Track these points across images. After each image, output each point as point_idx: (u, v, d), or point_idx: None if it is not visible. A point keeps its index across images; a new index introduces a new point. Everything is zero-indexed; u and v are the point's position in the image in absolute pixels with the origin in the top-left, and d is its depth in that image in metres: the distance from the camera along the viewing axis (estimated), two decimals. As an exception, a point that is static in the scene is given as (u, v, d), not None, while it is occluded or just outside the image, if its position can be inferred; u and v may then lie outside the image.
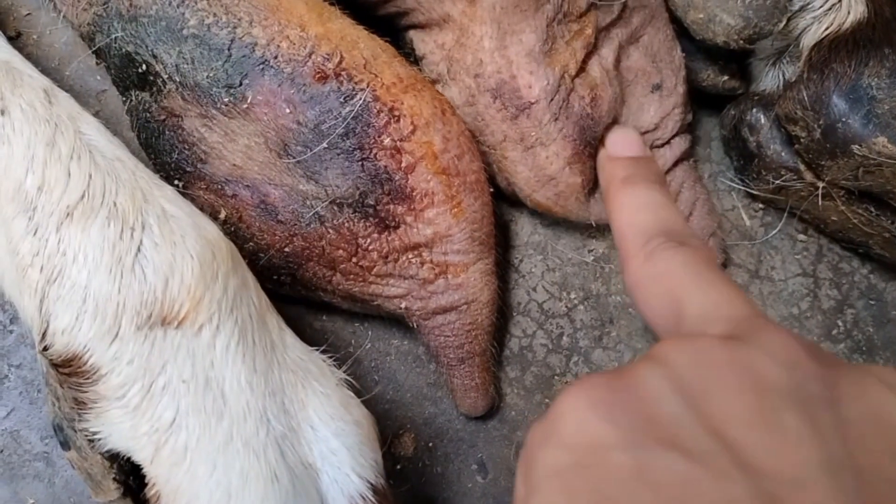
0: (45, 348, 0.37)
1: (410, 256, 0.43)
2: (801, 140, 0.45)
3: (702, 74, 0.49)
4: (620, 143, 0.45)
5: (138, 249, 0.37)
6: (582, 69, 0.45)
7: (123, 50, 0.43)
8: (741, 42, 0.45)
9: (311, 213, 0.43)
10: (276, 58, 0.41)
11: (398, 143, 0.42)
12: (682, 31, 0.48)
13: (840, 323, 0.49)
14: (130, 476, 0.39)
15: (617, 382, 0.28)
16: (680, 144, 0.48)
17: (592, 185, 0.46)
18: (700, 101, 0.48)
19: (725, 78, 0.49)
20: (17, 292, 0.39)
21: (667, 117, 0.47)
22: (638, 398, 0.27)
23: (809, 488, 0.25)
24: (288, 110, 0.41)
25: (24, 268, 0.38)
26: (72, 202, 0.37)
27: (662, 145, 0.48)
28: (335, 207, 0.42)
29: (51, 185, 0.38)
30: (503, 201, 0.49)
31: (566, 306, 0.49)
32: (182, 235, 0.37)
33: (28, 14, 0.49)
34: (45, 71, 0.42)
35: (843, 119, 0.43)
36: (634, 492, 0.25)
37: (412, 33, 0.47)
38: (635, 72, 0.47)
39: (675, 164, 0.48)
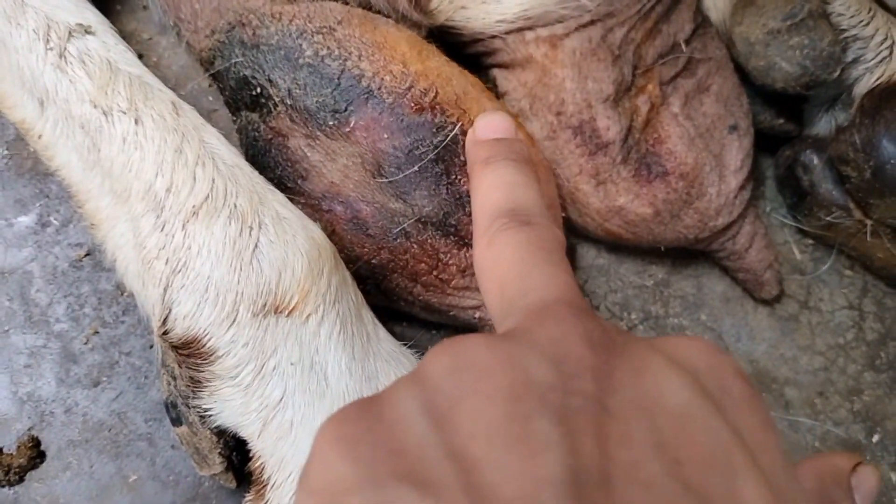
0: (166, 332, 0.41)
1: (486, 272, 0.47)
2: (852, 180, 0.49)
3: (759, 117, 0.53)
4: (487, 127, 0.43)
5: (256, 246, 0.41)
6: (648, 117, 0.50)
7: (241, 74, 0.48)
8: (798, 88, 0.49)
9: (398, 229, 0.46)
10: (379, 89, 0.45)
11: (481, 169, 0.46)
12: (741, 77, 0.52)
13: (883, 354, 0.52)
14: (234, 452, 0.43)
15: (368, 411, 0.25)
16: (751, 185, 0.52)
17: (662, 214, 0.50)
18: (756, 142, 0.52)
19: (781, 121, 0.53)
20: (140, 283, 0.44)
21: (747, 157, 0.51)
22: (386, 426, 0.25)
23: None
24: (386, 136, 0.45)
25: (149, 260, 0.42)
26: (197, 203, 0.42)
27: (745, 185, 0.51)
28: (420, 225, 0.46)
29: (178, 187, 0.42)
30: (568, 228, 0.53)
31: (627, 326, 0.52)
32: (293, 235, 0.42)
33: (149, 38, 0.54)
34: (163, 91, 0.46)
35: (892, 161, 0.47)
36: None
37: (496, 71, 0.52)
38: (711, 117, 0.50)
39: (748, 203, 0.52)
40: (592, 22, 0.48)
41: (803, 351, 0.52)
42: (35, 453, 0.46)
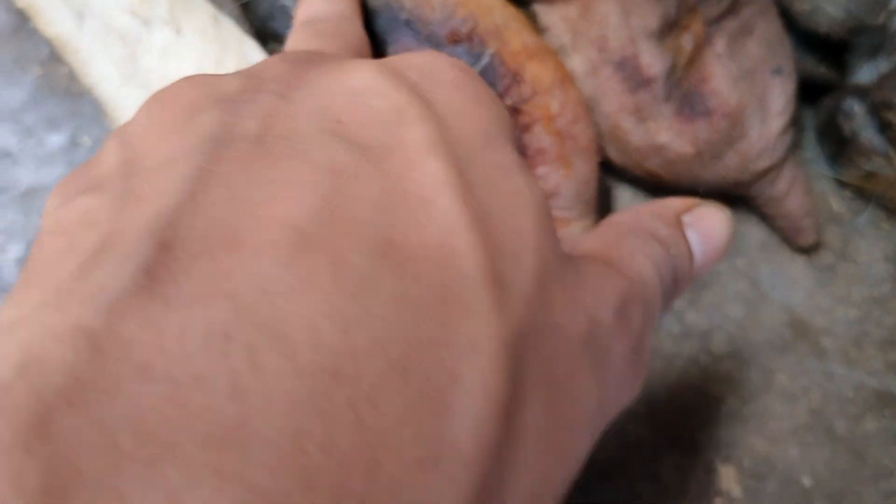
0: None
1: (520, 206, 0.46)
2: (894, 127, 0.48)
3: (801, 64, 0.52)
4: None
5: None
6: (692, 56, 0.49)
7: (271, 3, 0.47)
8: (842, 34, 0.49)
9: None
10: (418, 20, 0.45)
11: (518, 104, 0.46)
12: (784, 24, 0.51)
13: (919, 308, 0.52)
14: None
15: (80, 166, 0.26)
16: (793, 130, 0.51)
17: (703, 154, 0.49)
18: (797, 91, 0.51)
19: (823, 69, 0.53)
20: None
21: (789, 101, 0.50)
22: (88, 167, 0.26)
23: (166, 164, 0.22)
24: None
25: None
26: (238, 113, 0.41)
27: (787, 129, 0.50)
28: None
29: (218, 98, 0.41)
30: (605, 171, 0.52)
31: (661, 272, 0.51)
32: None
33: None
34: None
35: (936, 105, 0.47)
36: (46, 245, 0.23)
37: (537, 6, 0.51)
38: (755, 59, 0.50)
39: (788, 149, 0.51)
40: (638, -44, 0.48)
41: (839, 302, 0.51)
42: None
